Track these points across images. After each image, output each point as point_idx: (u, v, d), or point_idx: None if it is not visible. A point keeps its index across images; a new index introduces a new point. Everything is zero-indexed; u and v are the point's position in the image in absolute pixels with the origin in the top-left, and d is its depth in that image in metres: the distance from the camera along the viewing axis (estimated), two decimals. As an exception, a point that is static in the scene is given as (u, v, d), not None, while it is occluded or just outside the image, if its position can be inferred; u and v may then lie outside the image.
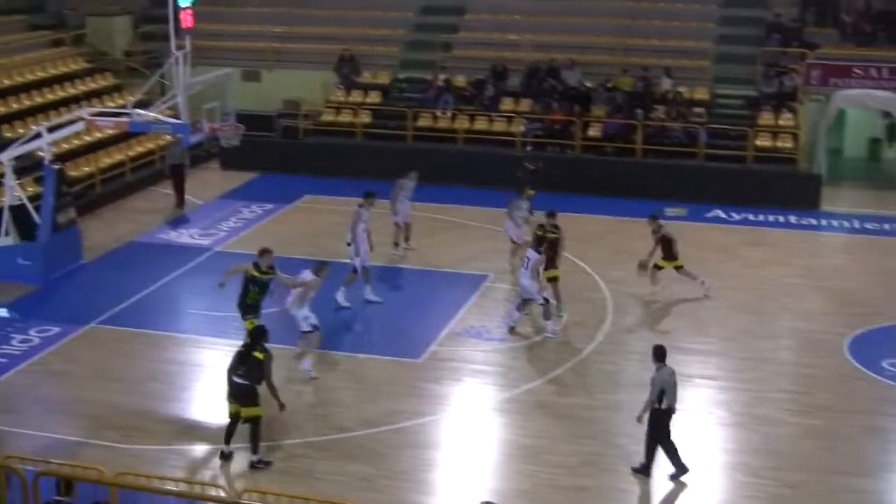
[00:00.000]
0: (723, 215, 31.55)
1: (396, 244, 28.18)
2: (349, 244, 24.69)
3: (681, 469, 17.61)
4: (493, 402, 20.36)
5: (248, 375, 17.77)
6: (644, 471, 17.68)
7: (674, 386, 17.38)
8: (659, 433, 17.48)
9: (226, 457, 18.10)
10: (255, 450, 17.98)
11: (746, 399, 20.42)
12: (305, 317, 21.21)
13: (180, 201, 32.43)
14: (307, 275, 21.24)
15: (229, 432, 18.13)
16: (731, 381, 21.17)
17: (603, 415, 19.69)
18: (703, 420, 19.68)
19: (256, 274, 20.82)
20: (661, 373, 17.39)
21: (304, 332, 21.35)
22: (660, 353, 17.59)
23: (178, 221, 31.02)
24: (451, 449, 18.78)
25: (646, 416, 17.51)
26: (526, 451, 18.55)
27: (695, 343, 22.84)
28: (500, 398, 20.45)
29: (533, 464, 18.07)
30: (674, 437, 17.51)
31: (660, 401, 17.24)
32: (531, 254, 23.02)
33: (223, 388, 18.33)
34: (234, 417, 18.07)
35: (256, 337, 18.25)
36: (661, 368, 17.45)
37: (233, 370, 17.90)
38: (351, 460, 18.11)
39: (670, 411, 17.41)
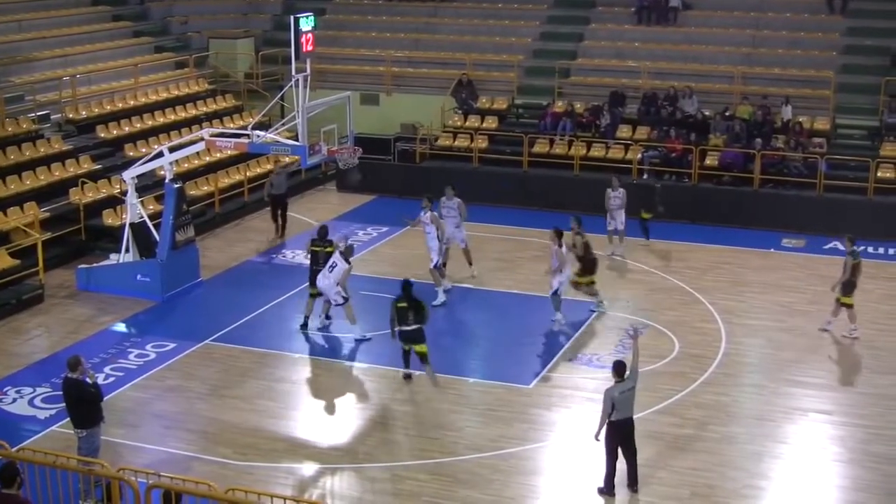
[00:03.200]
0: (841, 248, 30.79)
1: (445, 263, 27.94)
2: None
3: (609, 487, 17.77)
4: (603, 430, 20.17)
5: (418, 320, 21.50)
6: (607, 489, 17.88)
7: (626, 401, 17.48)
8: (610, 445, 17.64)
9: (408, 377, 22.10)
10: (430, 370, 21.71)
11: (862, 435, 19.97)
12: (337, 291, 23.73)
13: (277, 229, 32.13)
14: (339, 261, 23.68)
15: (406, 360, 21.98)
16: (847, 417, 20.72)
17: (715, 446, 19.41)
18: (817, 456, 19.33)
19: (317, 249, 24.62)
20: (614, 388, 17.45)
21: (338, 305, 23.92)
22: (617, 369, 17.66)
23: (275, 250, 30.85)
24: (558, 476, 18.65)
25: (603, 431, 17.68)
26: (635, 480, 18.39)
27: (811, 377, 22.42)
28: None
29: (642, 493, 17.85)
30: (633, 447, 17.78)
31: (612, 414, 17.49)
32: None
33: (334, 406, 18.49)
34: (408, 352, 21.87)
35: (411, 288, 21.79)
36: (617, 383, 17.49)
37: (403, 321, 21.49)
38: (459, 485, 18.09)
39: (620, 424, 17.50)
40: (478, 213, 29.10)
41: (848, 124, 36.25)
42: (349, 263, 23.74)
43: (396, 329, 21.65)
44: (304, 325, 24.72)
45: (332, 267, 23.63)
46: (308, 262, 24.97)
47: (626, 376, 17.52)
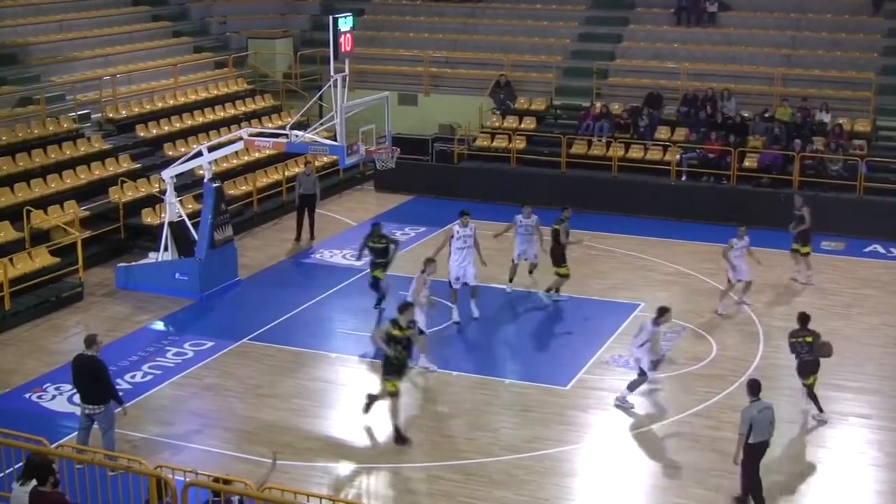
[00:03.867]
0: (881, 250, 30.76)
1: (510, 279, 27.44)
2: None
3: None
4: (639, 432, 20.15)
5: (409, 349, 19.93)
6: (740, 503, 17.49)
7: (764, 421, 17.08)
8: (748, 467, 17.24)
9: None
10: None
11: (902, 440, 19.89)
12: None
13: (300, 235, 31.67)
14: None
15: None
16: (885, 421, 20.61)
17: (752, 450, 19.33)
18: (855, 460, 19.23)
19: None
20: (751, 407, 17.13)
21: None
22: (753, 387, 17.39)
23: (296, 257, 30.56)
24: (593, 478, 18.64)
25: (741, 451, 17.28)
26: (671, 482, 18.34)
27: (849, 381, 22.27)
28: (646, 428, 20.24)
29: (678, 496, 17.83)
30: (761, 473, 17.32)
31: (749, 436, 17.03)
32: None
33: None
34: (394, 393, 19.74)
35: (406, 309, 19.91)
36: (753, 402, 17.19)
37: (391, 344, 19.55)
38: (494, 485, 18.08)
39: (759, 447, 17.12)
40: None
41: (889, 126, 35.99)
42: (422, 273, 23.03)
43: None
44: (379, 302, 25.55)
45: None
46: (366, 257, 25.90)
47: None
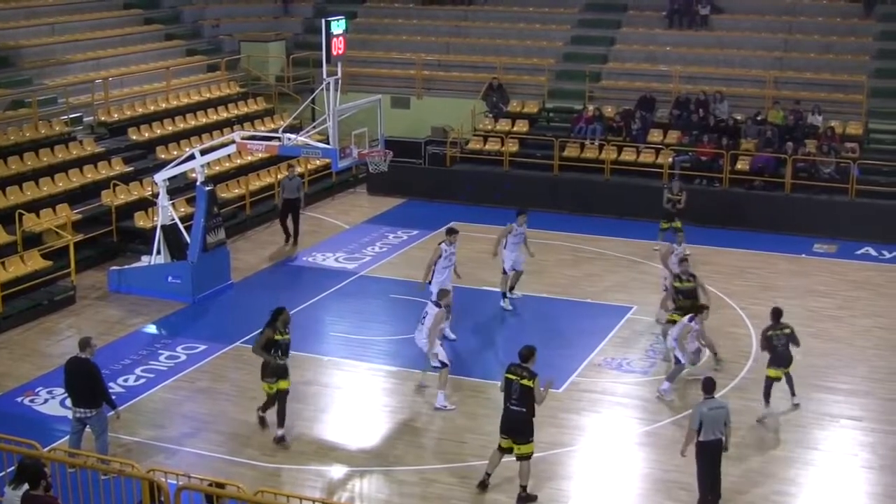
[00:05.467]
0: (874, 253, 30.81)
1: (504, 295, 26.50)
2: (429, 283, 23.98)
3: None
4: (632, 434, 20.18)
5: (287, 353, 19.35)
6: None
7: (717, 420, 16.94)
8: (700, 465, 17.18)
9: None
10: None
11: (893, 442, 19.86)
12: (434, 353, 20.96)
13: (290, 238, 31.45)
14: (431, 308, 21.15)
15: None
16: (877, 423, 20.62)
17: (744, 452, 19.34)
18: (847, 462, 19.24)
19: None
20: (703, 404, 17.09)
21: (434, 367, 21.14)
22: (706, 386, 17.36)
23: (288, 260, 30.35)
24: (587, 480, 18.66)
25: (690, 449, 17.26)
26: (663, 485, 18.34)
27: (841, 383, 22.32)
28: (639, 431, 20.27)
29: (670, 499, 17.84)
30: (718, 471, 17.25)
31: (699, 433, 17.00)
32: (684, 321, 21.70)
33: (363, 409, 18.47)
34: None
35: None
36: (706, 400, 17.14)
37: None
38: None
39: (708, 445, 16.99)
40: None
41: (880, 129, 36.04)
42: (440, 307, 21.13)
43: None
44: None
45: (425, 316, 21.11)
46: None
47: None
